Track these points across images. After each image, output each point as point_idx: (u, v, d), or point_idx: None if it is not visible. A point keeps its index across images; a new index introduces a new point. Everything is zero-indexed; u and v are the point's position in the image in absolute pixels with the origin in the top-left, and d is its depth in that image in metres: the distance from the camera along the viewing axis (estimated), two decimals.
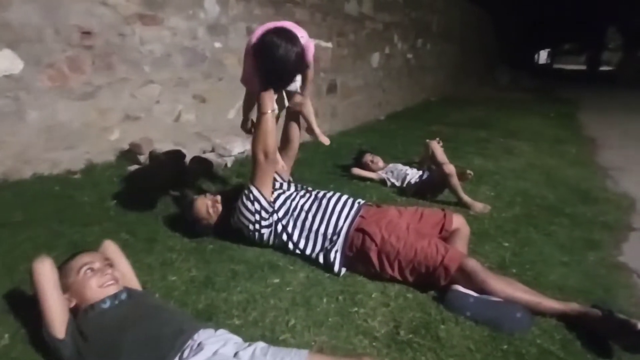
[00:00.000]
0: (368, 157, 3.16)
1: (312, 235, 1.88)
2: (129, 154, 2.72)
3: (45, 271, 1.22)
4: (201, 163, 2.77)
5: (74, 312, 1.24)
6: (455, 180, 2.62)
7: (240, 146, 3.05)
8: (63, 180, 2.37)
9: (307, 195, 2.01)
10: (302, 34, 1.76)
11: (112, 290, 1.28)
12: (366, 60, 5.80)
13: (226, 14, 3.39)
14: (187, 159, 2.76)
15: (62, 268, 1.30)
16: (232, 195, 1.98)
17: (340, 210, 1.92)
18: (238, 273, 1.72)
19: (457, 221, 2.01)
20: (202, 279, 1.65)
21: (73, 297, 1.26)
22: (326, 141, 2.35)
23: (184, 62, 3.11)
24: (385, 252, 1.76)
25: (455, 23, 9.16)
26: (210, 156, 2.94)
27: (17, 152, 2.27)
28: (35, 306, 1.20)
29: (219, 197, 2.00)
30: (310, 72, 2.00)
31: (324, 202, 1.95)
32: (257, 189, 1.84)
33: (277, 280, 1.70)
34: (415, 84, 7.53)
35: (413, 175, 2.94)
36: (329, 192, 2.05)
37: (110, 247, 1.48)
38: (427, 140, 3.01)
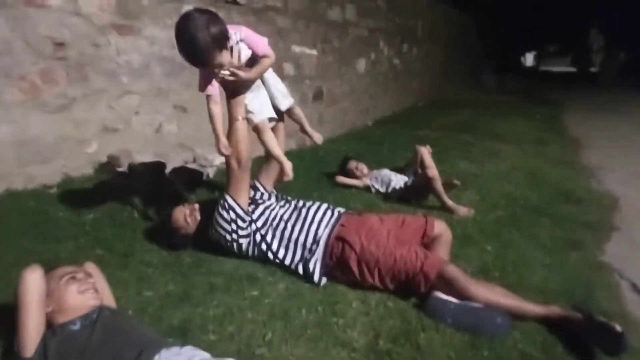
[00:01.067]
0: (352, 164, 3.14)
1: (291, 245, 1.85)
2: (108, 166, 2.67)
3: (34, 283, 1.18)
4: (181, 174, 2.72)
5: (49, 319, 1.21)
6: (438, 185, 2.61)
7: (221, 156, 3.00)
8: (38, 195, 2.31)
9: (287, 205, 1.99)
10: (238, 29, 1.67)
11: (92, 299, 1.27)
12: (352, 66, 5.81)
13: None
14: (168, 170, 2.72)
15: (45, 276, 1.26)
16: (211, 205, 1.95)
17: (320, 219, 1.89)
18: (216, 286, 1.68)
19: (439, 227, 1.99)
20: (179, 294, 1.61)
21: (52, 303, 1.23)
22: (319, 139, 2.27)
23: (163, 72, 3.07)
24: (365, 260, 1.73)
25: (440, 27, 9.24)
26: (191, 167, 2.89)
27: None
28: (8, 326, 1.16)
29: (196, 206, 1.97)
30: (265, 60, 1.74)
31: (304, 211, 1.92)
32: (231, 197, 1.81)
33: (255, 293, 1.66)
34: (402, 89, 7.56)
35: (398, 181, 2.93)
36: (309, 201, 2.03)
37: (91, 267, 1.46)
38: (417, 146, 2.98)
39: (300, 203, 2.00)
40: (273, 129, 2.24)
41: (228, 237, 1.83)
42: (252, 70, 1.70)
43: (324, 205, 1.99)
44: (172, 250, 1.91)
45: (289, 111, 2.14)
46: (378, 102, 6.65)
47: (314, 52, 4.91)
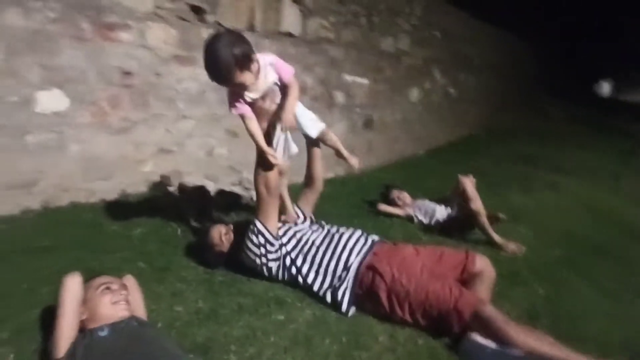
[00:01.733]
0: (395, 193, 3.07)
1: (321, 271, 1.82)
2: (160, 185, 2.85)
3: (73, 288, 1.29)
4: (225, 196, 2.83)
5: (83, 325, 1.28)
6: (483, 219, 2.46)
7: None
8: (97, 208, 2.51)
9: (320, 230, 1.98)
10: (268, 57, 1.74)
11: (123, 311, 1.33)
12: (404, 95, 5.79)
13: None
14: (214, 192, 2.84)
15: (85, 285, 1.36)
16: (245, 226, 1.99)
17: (352, 246, 1.85)
18: (244, 307, 1.69)
19: (481, 263, 1.86)
20: (207, 311, 1.64)
21: (86, 310, 1.31)
22: (356, 163, 2.27)
23: (217, 99, 3.26)
24: (395, 292, 1.66)
25: (498, 55, 8.96)
26: (236, 189, 3.00)
27: (57, 182, 2.46)
28: (47, 328, 1.25)
29: (231, 226, 2.03)
30: (293, 91, 1.76)
31: (336, 237, 1.90)
32: (260, 222, 1.83)
33: (281, 317, 1.64)
34: (457, 118, 7.36)
35: (441, 212, 2.81)
36: (343, 227, 2.01)
37: (129, 280, 1.54)
38: (459, 176, 2.86)
39: (334, 229, 1.98)
40: (310, 156, 2.27)
41: (257, 260, 1.84)
42: (286, 106, 1.71)
43: (358, 233, 1.95)
44: (206, 268, 1.96)
45: (323, 137, 2.17)
46: (431, 131, 6.51)
47: (365, 81, 4.97)
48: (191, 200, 2.74)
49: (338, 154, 2.28)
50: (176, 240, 2.24)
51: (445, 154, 5.91)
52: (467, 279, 1.80)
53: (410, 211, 2.94)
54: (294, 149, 1.97)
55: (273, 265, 1.86)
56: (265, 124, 1.81)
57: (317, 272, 1.82)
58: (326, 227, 2.00)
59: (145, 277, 1.82)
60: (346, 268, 1.78)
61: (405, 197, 3.05)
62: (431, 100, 6.44)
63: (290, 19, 3.78)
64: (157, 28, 2.80)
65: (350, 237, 1.90)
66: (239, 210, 2.81)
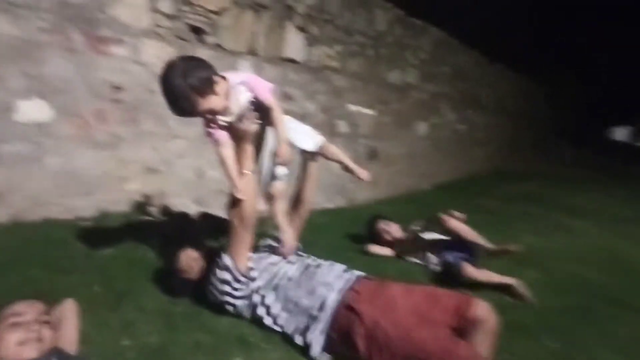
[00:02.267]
0: (381, 226, 2.81)
1: (293, 309, 1.60)
2: (142, 205, 2.70)
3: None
4: (211, 220, 2.66)
5: None
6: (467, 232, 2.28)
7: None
8: (70, 226, 2.36)
9: (297, 261, 1.77)
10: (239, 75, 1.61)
11: (31, 351, 1.11)
12: (411, 128, 5.68)
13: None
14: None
15: None
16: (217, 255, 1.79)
17: (331, 282, 1.64)
18: (201, 345, 1.47)
19: (481, 308, 1.61)
20: (157, 347, 1.43)
21: None
22: (366, 176, 2.05)
23: None
24: (374, 339, 1.43)
25: (510, 95, 8.87)
26: (222, 214, 2.83)
27: (31, 195, 2.33)
28: None
29: (203, 252, 1.83)
30: (276, 114, 1.64)
31: (312, 270, 1.69)
32: (229, 256, 1.64)
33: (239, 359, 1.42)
34: (464, 155, 7.18)
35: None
36: (323, 260, 1.80)
37: (67, 306, 1.36)
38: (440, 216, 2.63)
39: (311, 260, 1.78)
40: (303, 175, 2.09)
41: (220, 297, 1.65)
42: (278, 136, 1.61)
43: (340, 267, 1.75)
44: (171, 296, 1.76)
45: (322, 151, 1.96)
46: (437, 167, 6.33)
47: (371, 111, 4.87)
48: (173, 222, 2.58)
49: (344, 167, 2.07)
50: (146, 264, 2.05)
51: (451, 190, 5.69)
52: (463, 327, 1.55)
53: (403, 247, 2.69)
54: (282, 170, 1.81)
55: (239, 303, 1.65)
56: (246, 146, 1.65)
57: (289, 311, 1.61)
58: (304, 259, 1.80)
59: (98, 302, 1.63)
60: (322, 307, 1.57)
61: (395, 229, 2.78)
62: (439, 135, 6.30)
63: (294, 45, 3.74)
64: (153, 45, 2.75)
65: (329, 271, 1.69)
66: (222, 236, 2.63)
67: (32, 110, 2.29)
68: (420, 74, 5.54)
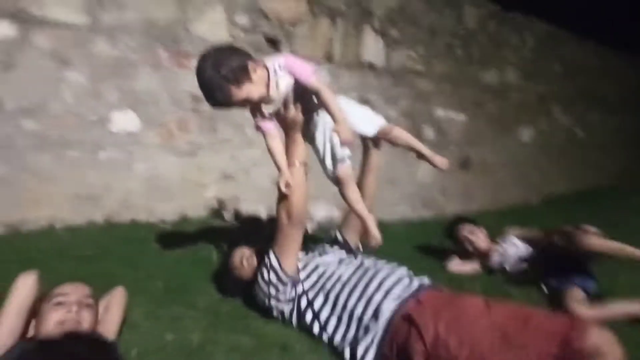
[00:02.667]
0: (464, 233, 2.36)
1: (344, 316, 1.42)
2: (217, 210, 2.79)
3: (23, 287, 1.19)
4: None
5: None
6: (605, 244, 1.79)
7: (323, 210, 2.81)
8: (152, 228, 2.52)
9: (351, 262, 1.59)
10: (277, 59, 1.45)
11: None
12: (512, 134, 5.05)
13: (337, 84, 3.42)
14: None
15: (48, 292, 1.24)
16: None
17: (390, 288, 1.42)
18: (240, 347, 1.38)
19: (597, 337, 1.18)
20: (197, 345, 1.38)
21: (37, 325, 1.18)
22: (444, 164, 1.68)
23: None
24: (436, 359, 1.17)
25: (636, 91, 7.39)
26: None
27: (121, 198, 2.55)
28: None
29: (257, 248, 1.75)
30: (325, 96, 1.42)
31: (370, 274, 1.49)
32: (275, 256, 1.53)
33: None
34: (584, 163, 6.13)
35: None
36: (384, 262, 1.58)
37: (117, 294, 1.40)
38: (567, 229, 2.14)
39: (369, 262, 1.57)
40: (364, 166, 1.86)
41: (266, 301, 1.55)
42: (334, 118, 1.40)
43: (402, 271, 1.51)
44: (223, 295, 1.72)
45: (385, 135, 1.65)
46: (549, 177, 5.49)
47: (462, 116, 4.46)
48: (243, 226, 2.60)
49: (418, 155, 1.71)
50: (208, 264, 2.06)
51: (567, 203, 4.87)
52: None
53: (492, 260, 2.28)
54: (344, 151, 1.52)
55: (285, 307, 1.53)
56: (296, 136, 1.56)
57: (339, 318, 1.43)
58: (360, 259, 1.60)
59: (157, 296, 1.67)
60: (375, 315, 1.36)
61: (480, 237, 2.31)
62: (549, 141, 5.50)
63: (372, 50, 3.62)
64: None
65: (388, 275, 1.47)
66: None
67: (124, 120, 2.54)
68: (521, 72, 4.94)
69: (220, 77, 1.32)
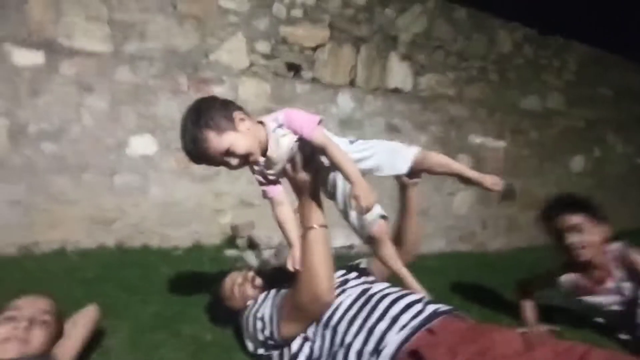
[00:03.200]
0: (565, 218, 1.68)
1: (341, 351, 1.18)
2: (231, 238, 2.66)
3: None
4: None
5: None
6: None
7: (341, 239, 2.59)
8: (164, 253, 2.43)
9: (355, 287, 1.34)
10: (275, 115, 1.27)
11: (9, 351, 1.02)
12: (561, 163, 4.63)
13: (361, 109, 3.32)
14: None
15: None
16: (271, 280, 1.50)
17: (396, 316, 1.17)
18: None
19: None
20: None
21: None
22: (497, 184, 1.39)
23: None
24: None
25: None
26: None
27: (134, 223, 2.51)
28: None
29: (251, 275, 1.55)
30: (333, 152, 1.21)
31: (374, 300, 1.24)
32: (277, 321, 1.29)
33: None
34: None
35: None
36: (395, 289, 1.32)
37: (87, 312, 1.27)
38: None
39: (378, 288, 1.32)
40: (403, 205, 1.57)
41: (250, 346, 1.35)
42: (349, 179, 1.19)
43: (413, 296, 1.26)
44: (214, 324, 1.54)
45: (422, 165, 1.37)
46: (607, 210, 4.90)
47: (501, 143, 4.16)
48: (258, 254, 2.44)
49: (461, 178, 1.42)
50: (207, 292, 1.90)
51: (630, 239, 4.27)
52: None
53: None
54: (373, 211, 1.27)
55: (274, 353, 1.32)
56: (308, 198, 1.33)
57: (334, 356, 1.19)
58: (366, 284, 1.36)
59: (143, 322, 1.52)
60: (377, 349, 1.11)
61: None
62: (606, 171, 4.98)
63: (399, 75, 3.51)
64: (250, 83, 2.87)
65: (396, 300, 1.22)
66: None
67: (141, 144, 2.54)
68: (565, 97, 4.59)
69: (199, 124, 1.19)
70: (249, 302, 1.44)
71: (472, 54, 3.89)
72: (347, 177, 1.20)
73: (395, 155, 1.36)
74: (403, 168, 1.36)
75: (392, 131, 3.44)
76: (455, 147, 3.81)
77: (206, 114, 1.20)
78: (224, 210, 2.77)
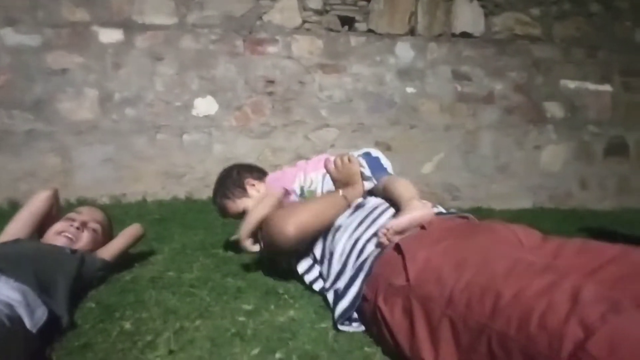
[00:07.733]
0: None
1: (335, 257, 1.17)
2: None
3: (36, 199, 1.31)
4: None
5: None
6: None
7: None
8: None
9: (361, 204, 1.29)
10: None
11: (61, 241, 1.24)
12: None
13: (423, 58, 3.11)
14: None
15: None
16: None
17: (384, 222, 1.11)
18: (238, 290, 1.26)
19: None
20: (195, 282, 1.31)
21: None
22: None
23: (366, 108, 3.01)
24: (419, 298, 0.84)
25: None
26: None
27: (201, 177, 2.77)
28: None
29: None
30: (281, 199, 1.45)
31: (368, 208, 1.21)
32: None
33: (249, 307, 1.12)
34: None
35: None
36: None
37: (131, 228, 1.48)
38: None
39: (369, 203, 1.26)
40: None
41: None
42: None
43: None
44: None
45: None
46: None
47: (607, 87, 3.52)
48: None
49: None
50: None
51: None
52: None
53: None
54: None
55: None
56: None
57: (329, 260, 1.18)
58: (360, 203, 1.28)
59: (186, 246, 1.70)
60: (362, 250, 1.08)
61: None
62: None
63: (467, 18, 3.19)
64: (303, 40, 2.91)
65: (388, 208, 1.18)
66: None
67: (204, 106, 2.78)
68: None
69: (218, 195, 1.60)
70: None
71: None
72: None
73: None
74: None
75: (461, 79, 3.17)
76: (541, 95, 3.35)
77: (224, 185, 1.60)
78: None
